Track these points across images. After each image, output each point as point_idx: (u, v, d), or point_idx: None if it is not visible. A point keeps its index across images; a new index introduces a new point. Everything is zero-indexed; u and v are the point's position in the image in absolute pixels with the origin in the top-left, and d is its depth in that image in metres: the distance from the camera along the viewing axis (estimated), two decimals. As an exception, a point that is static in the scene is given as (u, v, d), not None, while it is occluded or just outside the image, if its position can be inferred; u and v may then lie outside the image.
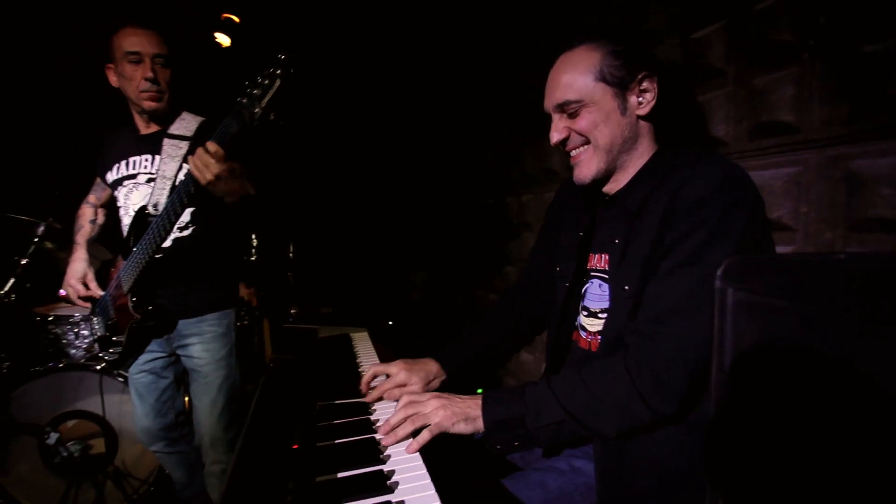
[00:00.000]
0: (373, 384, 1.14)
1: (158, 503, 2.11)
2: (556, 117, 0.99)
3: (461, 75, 2.95)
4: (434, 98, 3.37)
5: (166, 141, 1.59)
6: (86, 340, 2.23)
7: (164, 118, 1.63)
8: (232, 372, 1.73)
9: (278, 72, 1.15)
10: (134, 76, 1.51)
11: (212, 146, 1.24)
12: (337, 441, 0.91)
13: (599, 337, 1.02)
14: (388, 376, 1.14)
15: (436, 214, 3.69)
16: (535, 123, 2.16)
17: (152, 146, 1.61)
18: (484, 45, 2.62)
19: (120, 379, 2.07)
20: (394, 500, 0.72)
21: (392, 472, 0.80)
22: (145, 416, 1.74)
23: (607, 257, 1.03)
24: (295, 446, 0.89)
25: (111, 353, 1.65)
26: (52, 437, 1.93)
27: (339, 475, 0.79)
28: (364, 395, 1.11)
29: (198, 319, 1.69)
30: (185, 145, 1.60)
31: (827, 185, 1.08)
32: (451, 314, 3.32)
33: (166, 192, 1.55)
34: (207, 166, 1.23)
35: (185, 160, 1.58)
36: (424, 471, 0.80)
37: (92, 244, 1.79)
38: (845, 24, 1.02)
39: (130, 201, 1.63)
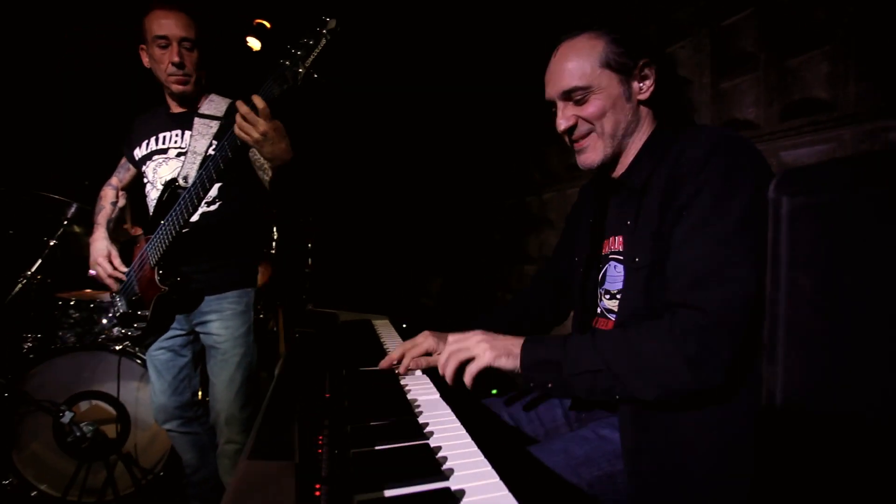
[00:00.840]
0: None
1: (167, 488, 2.08)
2: (561, 105, 0.99)
3: (481, 77, 3.01)
4: (456, 103, 3.43)
5: (197, 119, 1.64)
6: (106, 324, 2.25)
7: (193, 100, 1.68)
8: (250, 350, 1.73)
9: (324, 31, 1.16)
10: (162, 59, 1.57)
11: (259, 102, 1.25)
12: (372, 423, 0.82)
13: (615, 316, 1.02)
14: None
15: (454, 217, 3.71)
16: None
17: (183, 123, 1.66)
18: (503, 43, 2.68)
19: (138, 361, 2.07)
20: (453, 488, 0.60)
21: (438, 448, 0.71)
22: (162, 392, 1.73)
23: (622, 239, 1.03)
24: (327, 395, 0.88)
25: (135, 327, 1.66)
26: (67, 416, 1.92)
27: (377, 448, 0.71)
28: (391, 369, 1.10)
29: (218, 297, 1.70)
30: (215, 124, 1.64)
31: (863, 160, 1.07)
32: (468, 316, 3.30)
33: (196, 166, 1.58)
34: (255, 124, 1.25)
35: (215, 137, 1.62)
36: (475, 449, 0.70)
37: (112, 230, 1.82)
38: (878, 1, 1.03)
39: (159, 175, 1.66)
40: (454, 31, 2.98)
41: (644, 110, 0.99)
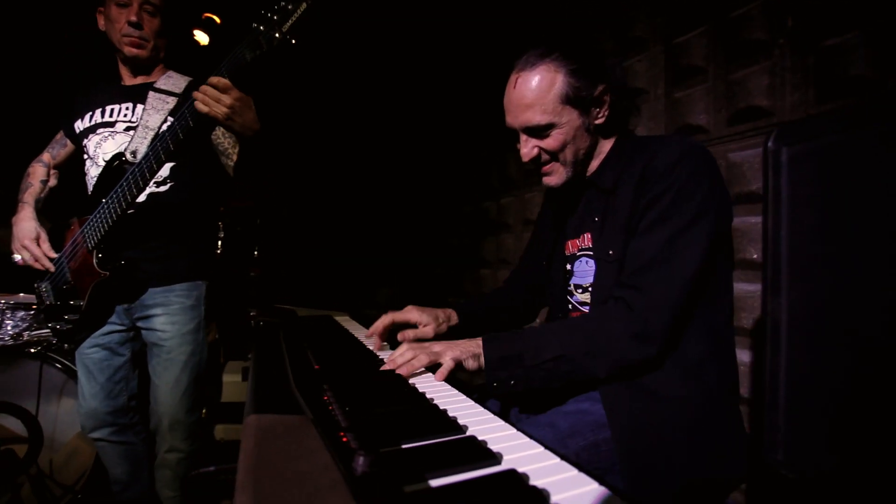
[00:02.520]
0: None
1: (87, 512, 1.82)
2: (524, 137, 1.04)
3: (438, 84, 3.07)
4: (415, 111, 3.46)
5: (152, 94, 1.52)
6: (20, 324, 1.97)
7: (148, 69, 1.56)
8: (199, 349, 1.59)
9: None
10: (118, 19, 1.46)
11: (217, 80, 1.20)
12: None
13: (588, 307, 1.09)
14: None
15: (409, 224, 3.70)
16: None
17: (135, 96, 1.53)
18: (463, 48, 2.77)
19: (58, 366, 1.83)
20: (473, 436, 0.58)
21: (445, 410, 0.68)
22: (93, 396, 1.53)
23: (590, 235, 1.10)
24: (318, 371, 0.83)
25: (65, 320, 1.47)
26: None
27: (388, 409, 0.68)
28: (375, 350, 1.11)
29: (165, 289, 1.55)
30: (172, 101, 1.54)
31: (799, 160, 1.22)
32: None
33: (147, 142, 1.46)
34: (219, 99, 1.18)
35: (172, 114, 1.52)
36: (472, 403, 0.73)
37: (40, 211, 1.62)
38: (809, 24, 1.20)
39: (102, 150, 1.51)
40: (413, 35, 3.03)
41: (602, 131, 1.07)
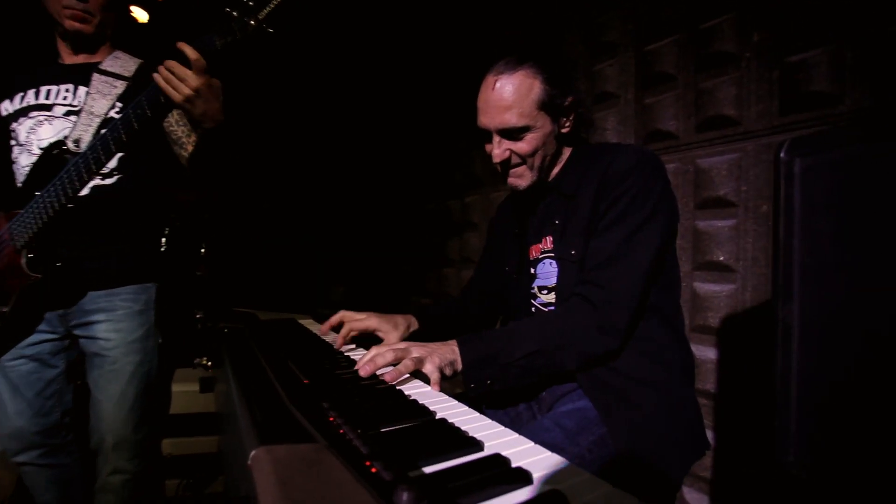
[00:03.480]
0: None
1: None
2: (497, 139, 1.06)
3: (401, 77, 3.00)
4: (372, 102, 3.36)
5: (97, 76, 1.36)
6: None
7: (92, 47, 1.39)
8: (148, 358, 1.44)
9: None
10: None
11: (191, 52, 1.08)
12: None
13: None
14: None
15: (369, 222, 3.60)
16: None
17: (77, 77, 1.35)
18: (428, 45, 2.72)
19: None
20: (491, 453, 0.55)
21: (453, 424, 0.65)
22: (18, 414, 1.34)
23: (551, 238, 1.13)
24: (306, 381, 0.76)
25: (-18, 328, 1.28)
26: None
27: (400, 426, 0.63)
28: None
29: (109, 292, 1.39)
30: (121, 85, 1.38)
31: (762, 168, 1.29)
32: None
33: (92, 130, 1.29)
34: (184, 79, 1.06)
35: (121, 99, 1.36)
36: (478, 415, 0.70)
37: None
38: (775, 40, 1.27)
39: (37, 136, 1.32)
40: (375, 27, 2.94)
41: (565, 140, 1.12)
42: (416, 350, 0.88)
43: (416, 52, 2.83)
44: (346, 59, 3.21)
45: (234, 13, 1.06)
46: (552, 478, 0.50)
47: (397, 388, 0.81)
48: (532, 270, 1.19)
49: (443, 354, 0.89)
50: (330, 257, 4.01)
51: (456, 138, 2.55)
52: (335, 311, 1.22)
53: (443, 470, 0.51)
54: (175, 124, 1.44)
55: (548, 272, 1.15)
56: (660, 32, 1.53)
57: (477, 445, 0.58)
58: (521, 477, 0.49)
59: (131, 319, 1.42)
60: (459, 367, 0.90)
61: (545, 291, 1.15)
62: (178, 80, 1.06)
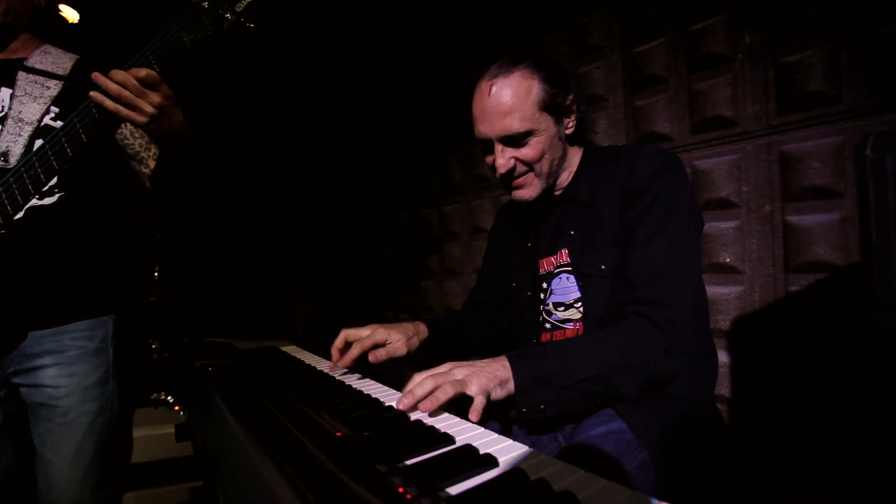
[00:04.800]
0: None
1: None
2: (500, 148, 0.99)
3: (371, 80, 2.88)
4: (337, 108, 3.21)
5: (23, 74, 1.16)
6: None
7: (4, 40, 1.19)
8: (108, 405, 1.23)
9: None
10: None
11: (146, 74, 0.93)
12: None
13: (580, 324, 1.05)
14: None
15: (333, 233, 3.42)
16: (461, 129, 2.19)
17: None
18: (405, 47, 2.62)
19: None
20: None
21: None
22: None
23: (567, 251, 1.07)
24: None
25: None
26: None
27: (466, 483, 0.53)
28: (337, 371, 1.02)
29: (56, 331, 1.18)
30: (54, 85, 1.18)
31: (762, 168, 1.30)
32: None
33: (24, 140, 1.10)
34: (142, 97, 0.91)
35: (57, 103, 1.16)
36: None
37: None
38: (768, 40, 1.28)
39: (-50, 148, 1.10)
40: (344, 25, 2.80)
41: (571, 141, 1.06)
42: (460, 371, 0.78)
43: (387, 51, 2.72)
44: (309, 56, 3.05)
45: (205, 3, 0.92)
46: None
47: (435, 428, 0.69)
48: (545, 285, 1.12)
49: (491, 373, 0.80)
50: (291, 273, 3.79)
51: (430, 144, 2.46)
52: (303, 332, 1.08)
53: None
54: (130, 136, 1.27)
55: (565, 287, 1.07)
56: (647, 34, 1.52)
57: (568, 498, 0.49)
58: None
59: (86, 360, 1.22)
60: (513, 387, 0.81)
61: (562, 308, 1.08)
62: (135, 98, 0.91)
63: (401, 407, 0.73)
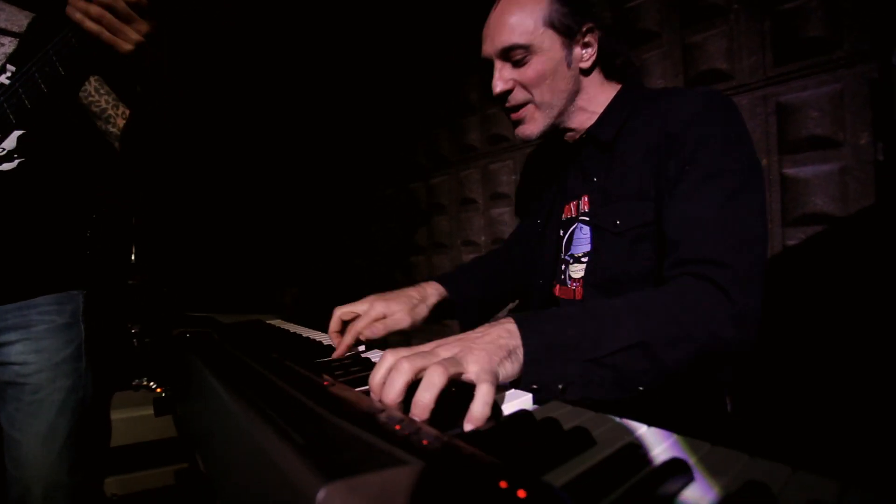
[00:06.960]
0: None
1: None
2: (499, 65, 0.93)
3: (351, 48, 2.78)
4: (318, 78, 3.10)
5: (-25, 32, 1.07)
6: None
7: None
8: (81, 382, 1.16)
9: None
10: None
11: None
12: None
13: (577, 284, 0.97)
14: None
15: (315, 213, 3.33)
16: (449, 100, 2.13)
17: None
18: (390, 12, 2.53)
19: None
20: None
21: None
22: None
23: (587, 198, 0.99)
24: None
25: None
26: None
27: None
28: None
29: (21, 305, 1.10)
30: (9, 42, 1.09)
31: (759, 121, 1.26)
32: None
33: (-21, 100, 1.01)
34: (129, 20, 0.83)
35: (13, 61, 1.08)
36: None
37: None
38: (762, -11, 1.24)
39: None
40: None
41: (584, 79, 0.97)
42: (446, 349, 0.56)
43: (366, 20, 2.63)
44: (290, 29, 2.93)
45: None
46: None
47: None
48: (562, 232, 1.03)
49: (493, 342, 0.57)
50: (277, 256, 3.70)
51: (416, 116, 2.39)
52: (292, 315, 1.00)
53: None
54: (95, 93, 1.18)
55: (580, 239, 0.99)
56: (640, -11, 1.47)
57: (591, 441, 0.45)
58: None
59: (55, 335, 1.15)
60: (522, 357, 0.59)
61: (573, 261, 1.00)
62: (123, 21, 0.83)
63: (386, 401, 0.51)
